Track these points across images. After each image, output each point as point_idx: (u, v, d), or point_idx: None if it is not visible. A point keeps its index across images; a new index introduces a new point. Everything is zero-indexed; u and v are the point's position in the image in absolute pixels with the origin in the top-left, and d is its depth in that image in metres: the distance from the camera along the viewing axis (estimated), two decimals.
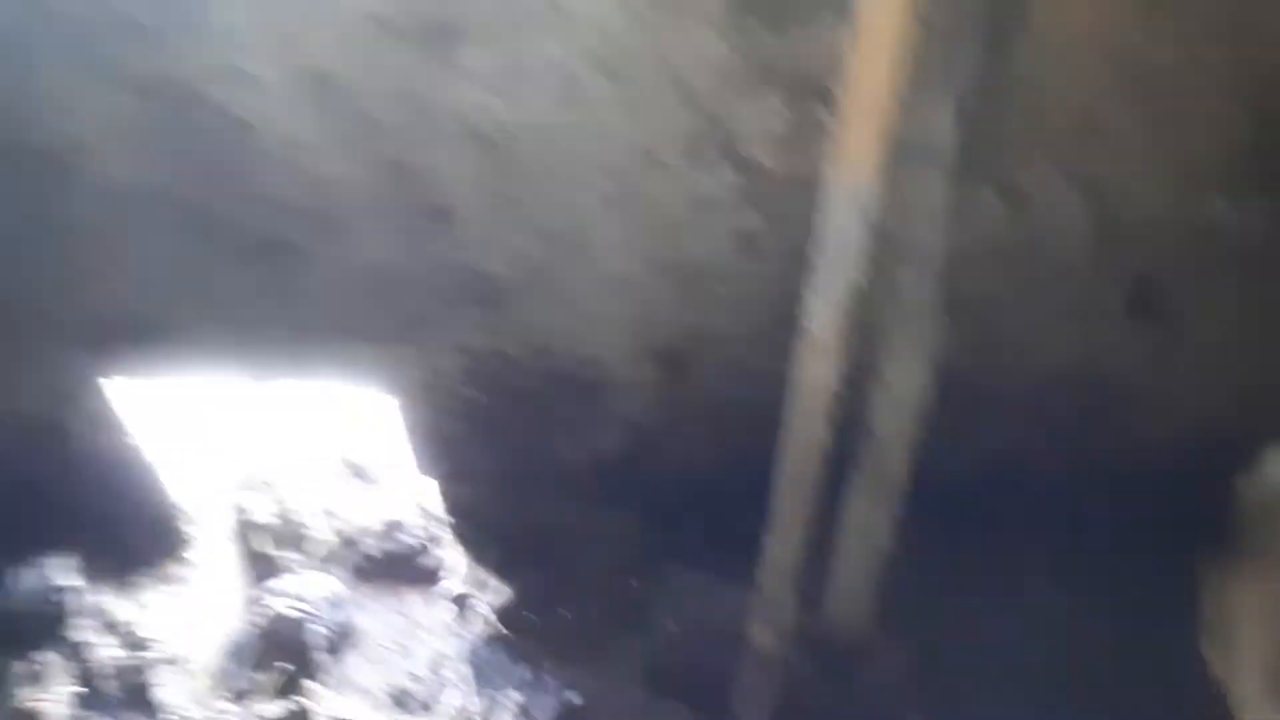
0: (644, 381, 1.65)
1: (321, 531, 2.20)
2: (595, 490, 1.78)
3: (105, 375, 1.79)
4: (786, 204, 1.39)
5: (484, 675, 1.89)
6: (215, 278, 1.54)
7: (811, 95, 1.33)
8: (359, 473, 2.23)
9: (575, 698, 1.77)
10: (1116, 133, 1.36)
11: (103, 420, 1.84)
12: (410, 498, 2.16)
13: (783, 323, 1.27)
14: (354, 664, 2.05)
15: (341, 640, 2.08)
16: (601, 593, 1.87)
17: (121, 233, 1.49)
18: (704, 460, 1.71)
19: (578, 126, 1.39)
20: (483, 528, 1.95)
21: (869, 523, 1.46)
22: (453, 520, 2.01)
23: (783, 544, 1.41)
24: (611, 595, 1.87)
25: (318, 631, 2.04)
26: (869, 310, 1.18)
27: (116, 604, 2.01)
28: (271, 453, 2.20)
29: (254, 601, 2.08)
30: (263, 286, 1.53)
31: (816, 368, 1.21)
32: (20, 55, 1.34)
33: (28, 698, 1.86)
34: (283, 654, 1.99)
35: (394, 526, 2.19)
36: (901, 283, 1.20)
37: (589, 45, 1.32)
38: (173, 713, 1.90)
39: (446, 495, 1.98)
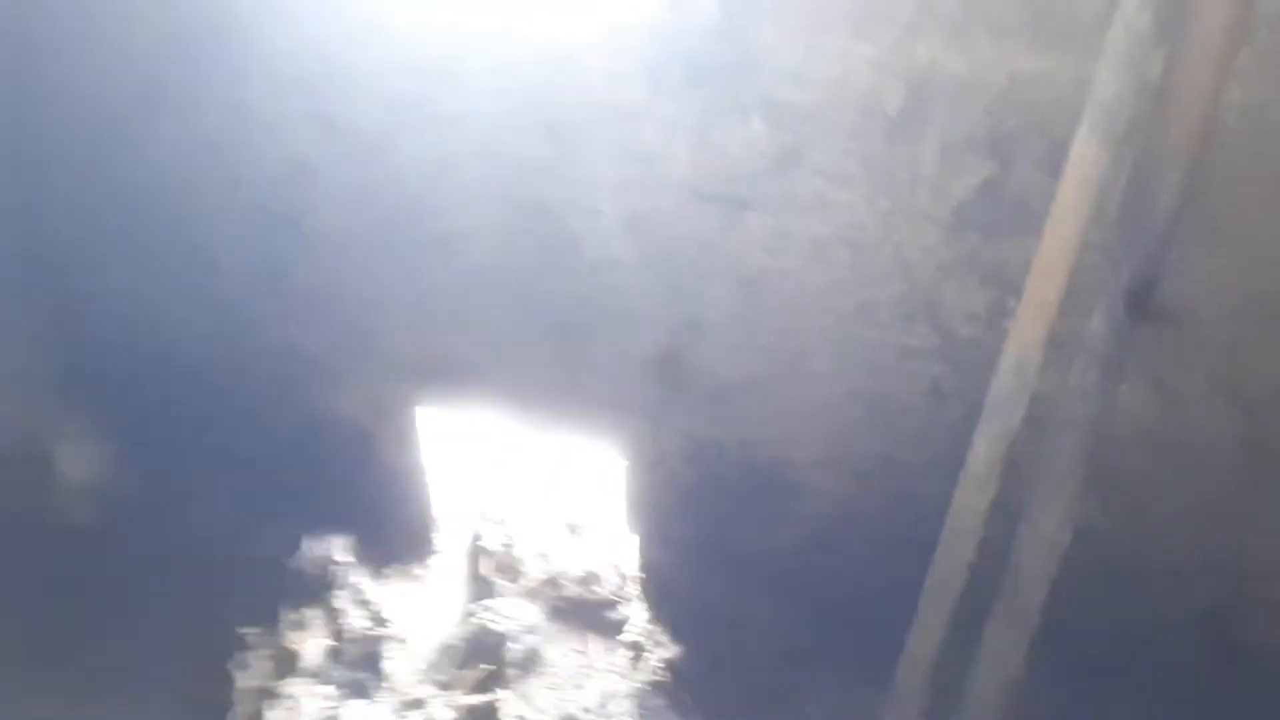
0: (829, 491, 1.99)
1: (533, 569, 2.63)
2: (771, 577, 2.10)
3: (416, 402, 2.35)
4: (971, 363, 1.72)
5: (644, 718, 2.21)
6: (524, 342, 2.06)
7: (1004, 285, 1.68)
8: (574, 529, 2.67)
9: None
10: (1267, 355, 1.60)
11: (403, 437, 2.39)
12: (612, 557, 2.56)
13: (954, 458, 1.59)
14: (536, 685, 2.42)
15: (530, 662, 2.46)
16: (759, 671, 2.16)
17: (468, 299, 2.05)
18: (869, 566, 1.99)
19: (817, 278, 1.81)
20: (667, 590, 2.31)
21: (1004, 645, 1.69)
22: (643, 577, 2.38)
23: (922, 644, 1.67)
24: (767, 675, 2.15)
25: (514, 649, 2.44)
26: (1024, 460, 1.49)
27: (370, 586, 2.51)
28: (512, 492, 2.68)
29: (469, 614, 2.52)
30: (559, 356, 2.04)
31: (971, 496, 1.51)
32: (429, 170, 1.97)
33: (293, 639, 2.37)
34: (483, 659, 2.40)
35: (592, 578, 2.59)
36: (1054, 443, 1.49)
37: (839, 224, 1.75)
38: (393, 683, 2.33)
39: (644, 555, 2.36)
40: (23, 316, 2.59)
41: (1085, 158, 1.29)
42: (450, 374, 2.20)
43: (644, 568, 2.35)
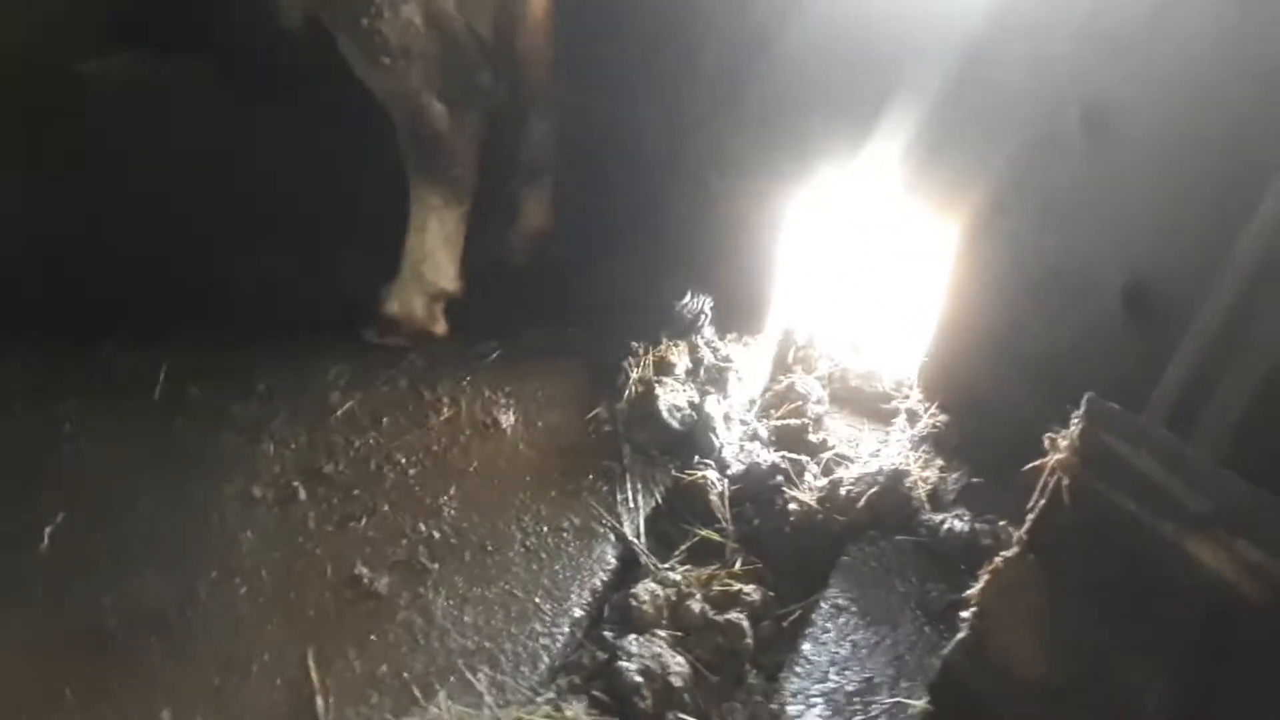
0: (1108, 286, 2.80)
1: (823, 365, 3.51)
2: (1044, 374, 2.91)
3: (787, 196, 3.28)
4: None
5: (918, 454, 3.07)
6: None
7: None
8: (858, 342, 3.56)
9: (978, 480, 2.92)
10: None
11: (768, 228, 3.32)
12: (897, 363, 3.43)
13: None
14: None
15: (819, 422, 3.33)
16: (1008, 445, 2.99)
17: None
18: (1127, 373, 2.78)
19: None
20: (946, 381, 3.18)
21: None
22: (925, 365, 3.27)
23: None
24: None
25: (812, 407, 3.32)
26: None
27: (716, 339, 3.44)
28: (826, 294, 3.59)
29: (778, 380, 3.42)
30: None
31: None
32: None
33: (670, 353, 3.30)
34: (791, 402, 3.29)
35: (872, 375, 3.47)
36: None
37: None
38: (731, 401, 3.24)
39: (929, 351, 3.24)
40: None
41: None
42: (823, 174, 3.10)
43: (932, 354, 3.20)
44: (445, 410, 3.17)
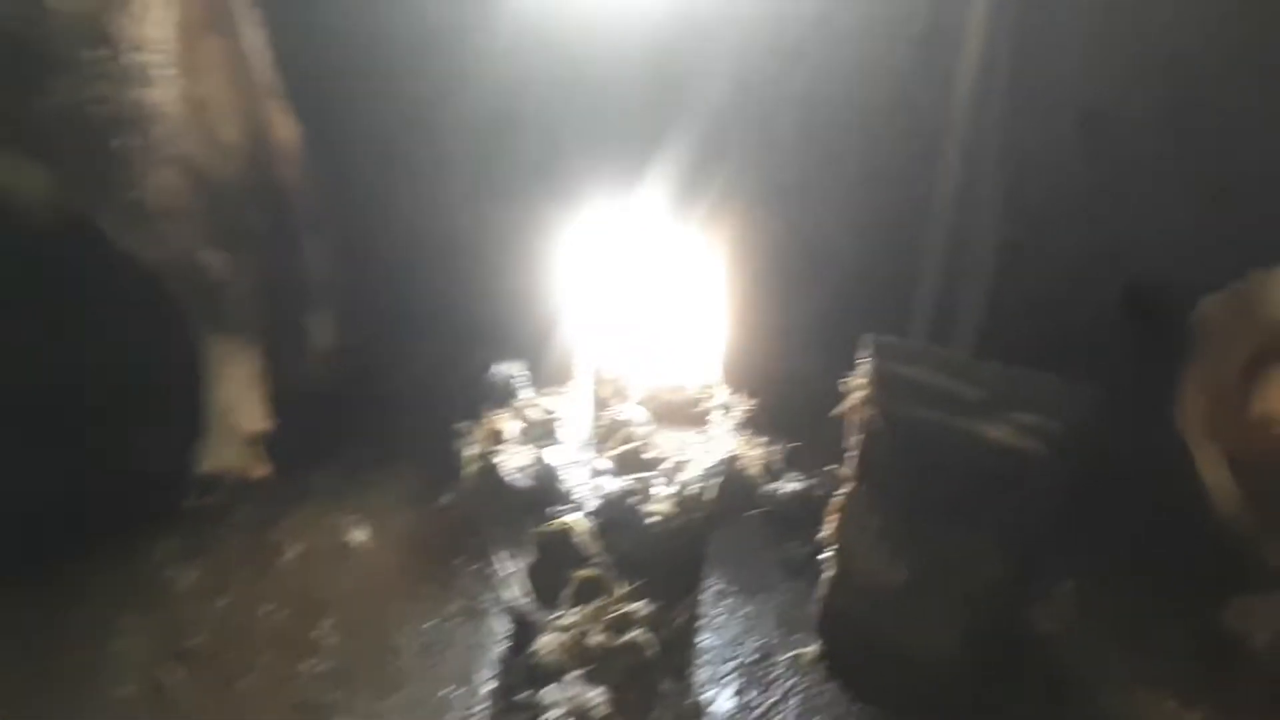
0: (858, 258, 3.24)
1: (636, 389, 3.76)
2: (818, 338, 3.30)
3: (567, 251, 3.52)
4: None
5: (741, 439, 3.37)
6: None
7: None
8: (671, 347, 3.83)
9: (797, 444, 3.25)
10: None
11: (554, 285, 3.54)
12: (700, 365, 3.73)
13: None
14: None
15: (649, 445, 3.56)
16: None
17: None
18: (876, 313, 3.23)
19: None
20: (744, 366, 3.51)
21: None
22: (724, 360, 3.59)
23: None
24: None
25: (639, 430, 3.55)
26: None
27: (536, 395, 3.60)
28: (621, 327, 3.84)
29: (601, 415, 3.63)
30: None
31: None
32: None
33: (497, 423, 3.42)
34: (620, 431, 3.50)
35: (681, 387, 3.75)
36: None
37: None
38: (561, 447, 3.40)
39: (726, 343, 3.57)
40: None
41: None
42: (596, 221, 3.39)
43: (727, 350, 3.54)
44: (293, 547, 3.12)
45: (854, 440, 2.56)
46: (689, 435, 3.60)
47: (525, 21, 3.10)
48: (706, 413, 3.64)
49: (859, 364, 2.50)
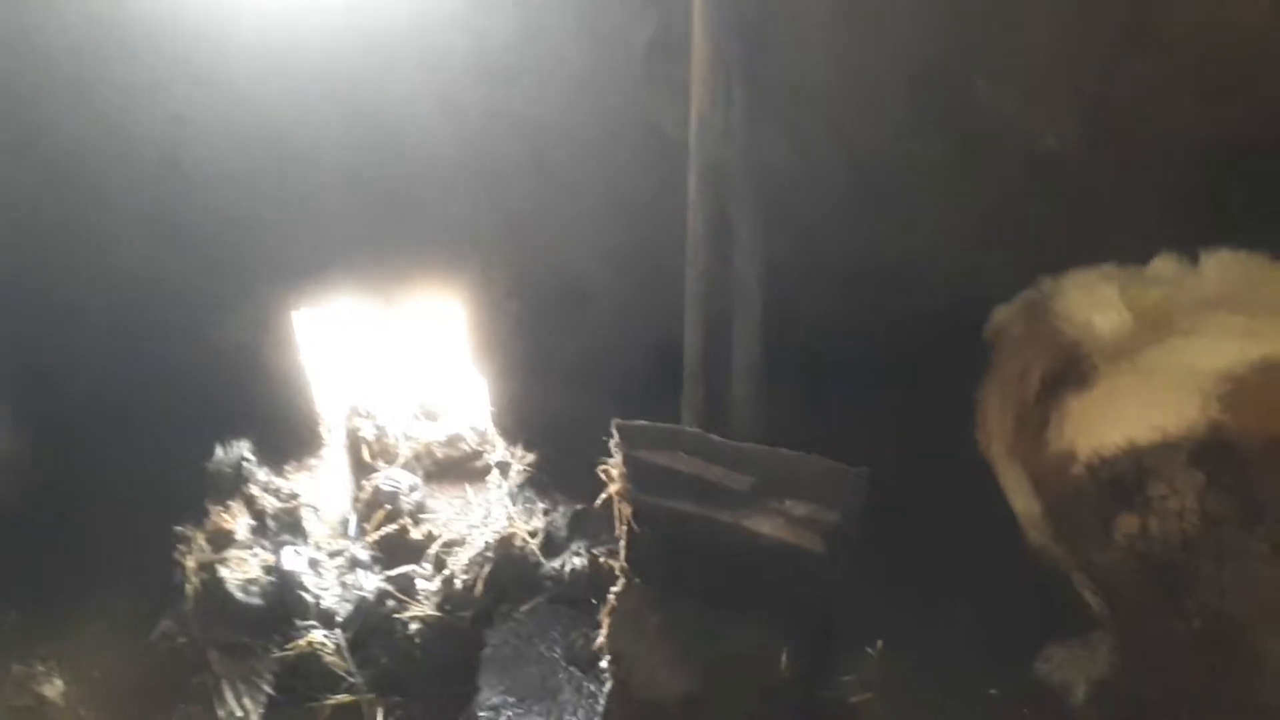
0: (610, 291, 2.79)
1: (404, 447, 3.26)
2: (591, 379, 2.87)
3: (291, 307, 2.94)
4: None
5: (519, 506, 2.94)
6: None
7: None
8: (436, 399, 3.34)
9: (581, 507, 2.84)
10: None
11: (283, 344, 2.97)
12: (469, 415, 3.25)
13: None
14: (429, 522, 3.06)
15: (419, 512, 3.09)
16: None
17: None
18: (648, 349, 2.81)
19: None
20: (517, 413, 3.06)
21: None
22: (495, 411, 3.12)
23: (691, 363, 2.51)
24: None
25: (405, 501, 3.07)
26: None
27: (273, 477, 3.04)
28: (378, 379, 3.31)
29: (362, 486, 3.11)
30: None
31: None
32: None
33: (224, 521, 2.86)
34: (382, 505, 3.01)
35: (456, 439, 3.27)
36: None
37: None
38: (315, 539, 2.89)
39: (494, 391, 3.10)
40: None
41: None
42: (315, 273, 2.83)
43: (495, 401, 3.08)
44: None
45: (620, 531, 2.17)
46: (465, 496, 3.15)
47: (176, 52, 2.48)
48: (485, 469, 3.18)
49: (611, 447, 2.10)
